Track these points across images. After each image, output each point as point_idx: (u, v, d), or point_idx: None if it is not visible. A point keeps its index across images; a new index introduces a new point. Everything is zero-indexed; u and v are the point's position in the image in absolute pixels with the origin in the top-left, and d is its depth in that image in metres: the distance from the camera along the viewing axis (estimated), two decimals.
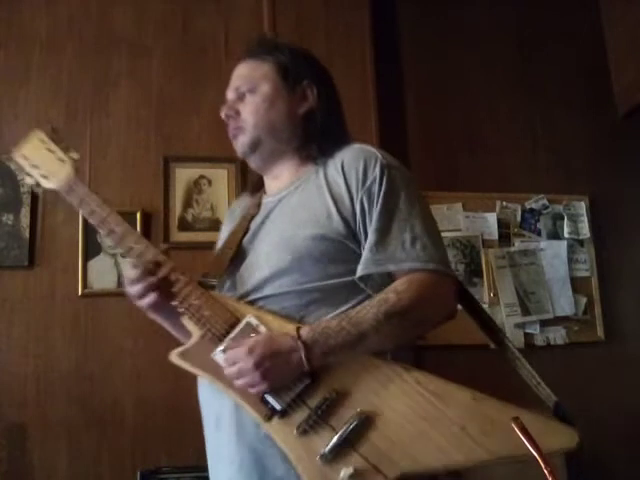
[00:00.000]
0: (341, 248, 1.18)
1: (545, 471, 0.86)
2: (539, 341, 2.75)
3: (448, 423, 1.06)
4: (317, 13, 2.75)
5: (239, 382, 1.09)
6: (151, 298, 1.17)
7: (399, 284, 1.14)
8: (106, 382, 2.31)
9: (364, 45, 2.76)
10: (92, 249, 2.40)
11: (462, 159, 2.87)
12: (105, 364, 2.32)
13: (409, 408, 1.08)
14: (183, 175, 2.54)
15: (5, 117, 2.46)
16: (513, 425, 0.93)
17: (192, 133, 2.58)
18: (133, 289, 1.18)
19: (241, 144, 1.30)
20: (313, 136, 1.29)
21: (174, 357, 1.15)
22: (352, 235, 1.18)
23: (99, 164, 2.49)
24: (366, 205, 1.18)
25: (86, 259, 2.38)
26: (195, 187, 2.54)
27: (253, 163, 1.34)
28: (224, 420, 1.18)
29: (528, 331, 2.75)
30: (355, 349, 1.11)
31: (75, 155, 1.26)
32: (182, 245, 2.43)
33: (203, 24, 2.69)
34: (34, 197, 2.39)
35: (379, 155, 1.23)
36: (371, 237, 1.16)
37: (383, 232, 1.16)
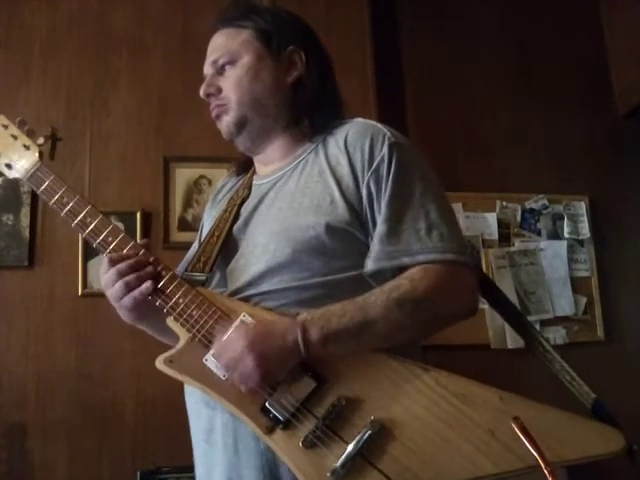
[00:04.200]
0: (347, 238, 1.04)
1: (545, 471, 0.86)
2: None
3: (475, 428, 0.95)
4: (317, 12, 2.74)
5: (234, 376, 0.97)
6: (135, 295, 1.03)
7: (414, 272, 1.01)
8: (106, 382, 2.31)
9: (364, 45, 2.77)
10: (92, 249, 2.37)
11: (462, 159, 2.86)
12: (105, 364, 2.32)
13: (430, 413, 0.96)
14: (183, 175, 2.54)
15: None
16: (513, 425, 0.90)
17: (192, 133, 2.57)
18: (114, 288, 1.04)
19: (226, 124, 1.16)
20: (304, 108, 1.15)
21: (160, 364, 1.02)
22: (359, 223, 1.05)
23: (99, 164, 2.49)
24: (374, 190, 1.04)
25: (86, 259, 2.38)
26: (195, 187, 2.54)
27: (241, 145, 1.20)
28: (216, 434, 1.05)
29: None
30: (359, 338, 0.98)
31: (41, 140, 1.13)
32: (182, 245, 2.41)
33: (203, 24, 2.68)
34: (34, 197, 2.38)
35: (387, 132, 1.10)
36: (381, 227, 1.03)
37: (395, 221, 1.03)
